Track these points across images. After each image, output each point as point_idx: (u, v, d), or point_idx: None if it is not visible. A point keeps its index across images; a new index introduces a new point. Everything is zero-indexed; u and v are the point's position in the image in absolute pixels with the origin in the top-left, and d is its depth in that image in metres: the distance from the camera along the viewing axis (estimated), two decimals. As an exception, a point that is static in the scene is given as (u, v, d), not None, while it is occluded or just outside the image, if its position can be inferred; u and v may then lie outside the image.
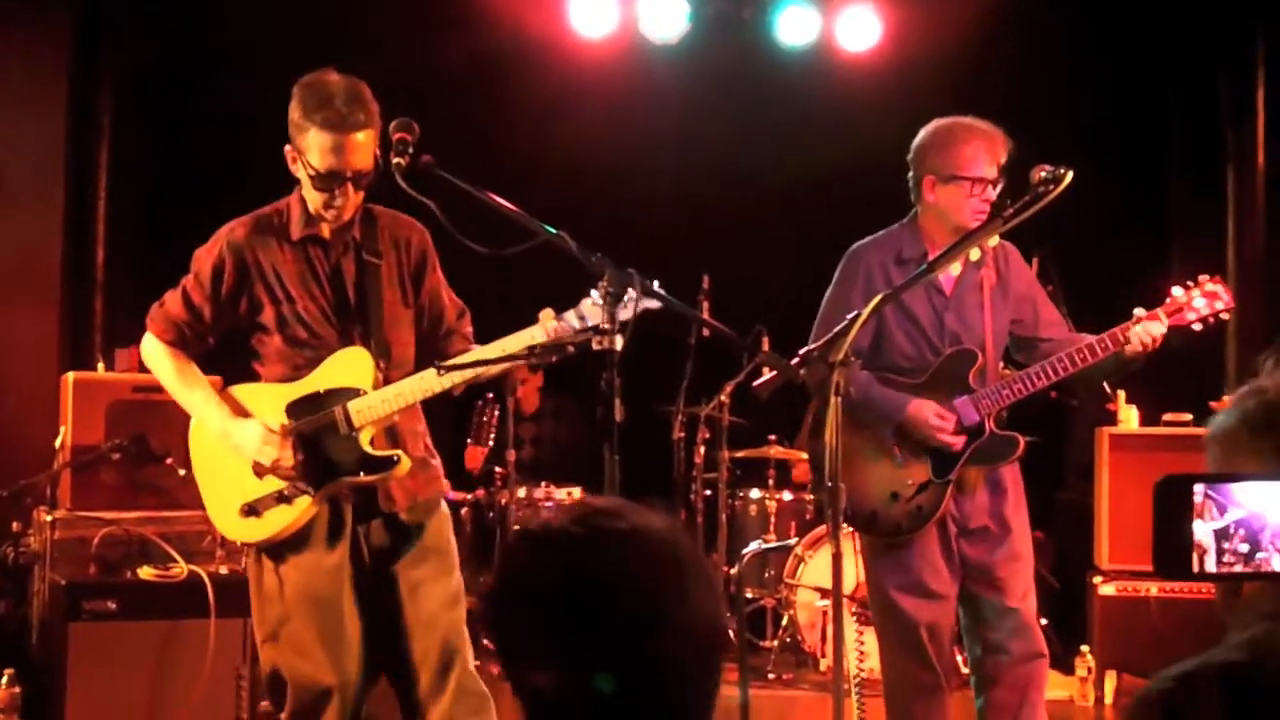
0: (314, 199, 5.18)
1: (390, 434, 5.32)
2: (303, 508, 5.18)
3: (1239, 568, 3.53)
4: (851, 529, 6.05)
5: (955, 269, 5.89)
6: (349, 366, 5.22)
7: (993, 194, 5.78)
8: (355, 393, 5.18)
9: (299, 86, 5.14)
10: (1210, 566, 2.94)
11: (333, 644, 5.21)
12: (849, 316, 4.96)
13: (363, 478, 5.23)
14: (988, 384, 5.87)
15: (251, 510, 5.21)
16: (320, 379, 5.23)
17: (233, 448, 5.22)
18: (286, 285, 5.25)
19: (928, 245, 5.89)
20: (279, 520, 5.20)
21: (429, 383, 5.15)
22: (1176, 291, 5.79)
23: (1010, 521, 5.94)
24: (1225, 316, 5.79)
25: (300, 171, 5.18)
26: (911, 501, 5.83)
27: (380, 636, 5.32)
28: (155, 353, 5.40)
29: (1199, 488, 2.65)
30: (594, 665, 2.26)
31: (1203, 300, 5.77)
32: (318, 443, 5.22)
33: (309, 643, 5.21)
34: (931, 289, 5.90)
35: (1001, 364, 6.10)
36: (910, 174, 6.01)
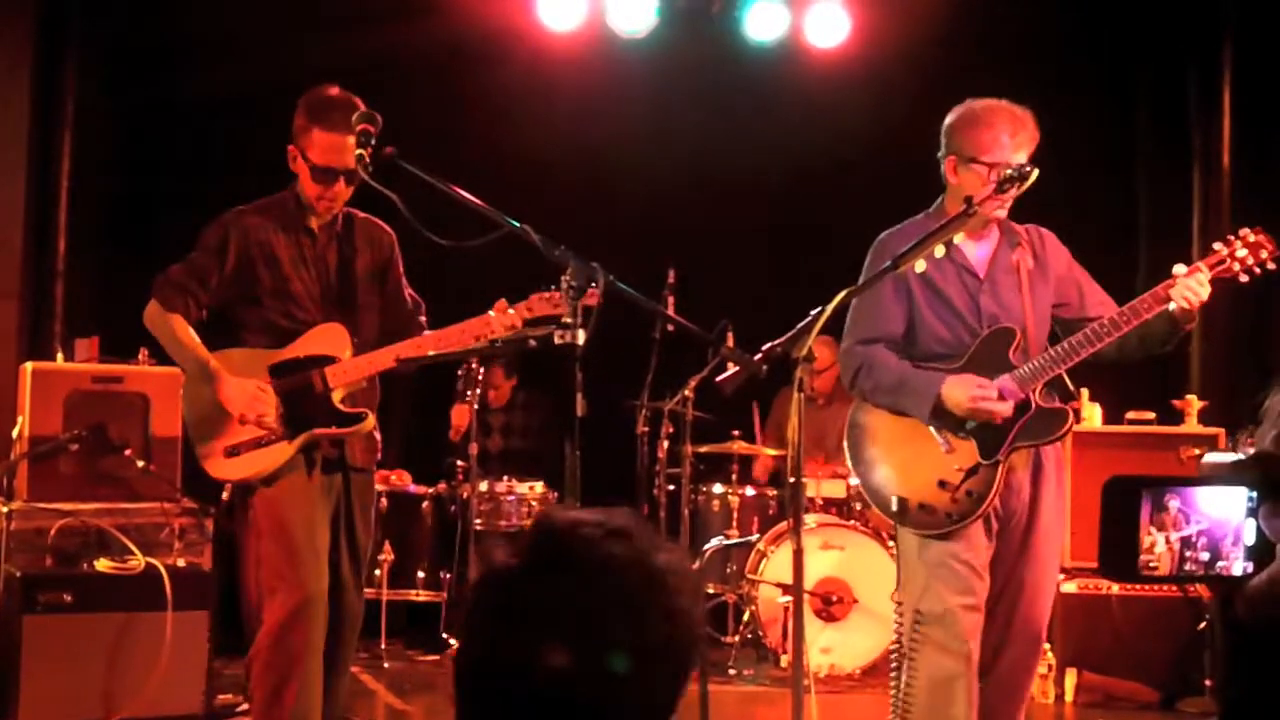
0: (310, 191, 6.01)
1: (352, 400, 6.09)
2: (279, 451, 5.97)
3: (1200, 573, 3.51)
4: (893, 527, 5.86)
5: (984, 248, 5.74)
6: (328, 339, 6.07)
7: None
8: (332, 359, 6.04)
9: (304, 98, 5.97)
10: (1170, 572, 2.91)
11: (304, 561, 5.92)
12: (813, 313, 4.91)
13: (334, 429, 6.04)
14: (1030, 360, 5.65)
15: (234, 451, 5.95)
16: (301, 347, 6.05)
17: (225, 399, 5.93)
18: (282, 266, 6.05)
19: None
20: (258, 462, 5.97)
21: (391, 359, 6.04)
22: (1217, 245, 5.63)
23: (1040, 524, 5.72)
24: (1272, 266, 5.61)
25: (300, 167, 5.98)
26: (960, 488, 5.59)
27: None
28: (158, 318, 6.05)
29: (1175, 503, 2.63)
30: (615, 646, 2.23)
31: (1245, 251, 5.60)
32: (295, 399, 6.01)
33: (283, 561, 5.94)
34: (963, 271, 5.73)
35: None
36: (939, 153, 5.78)
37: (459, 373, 9.85)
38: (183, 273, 6.03)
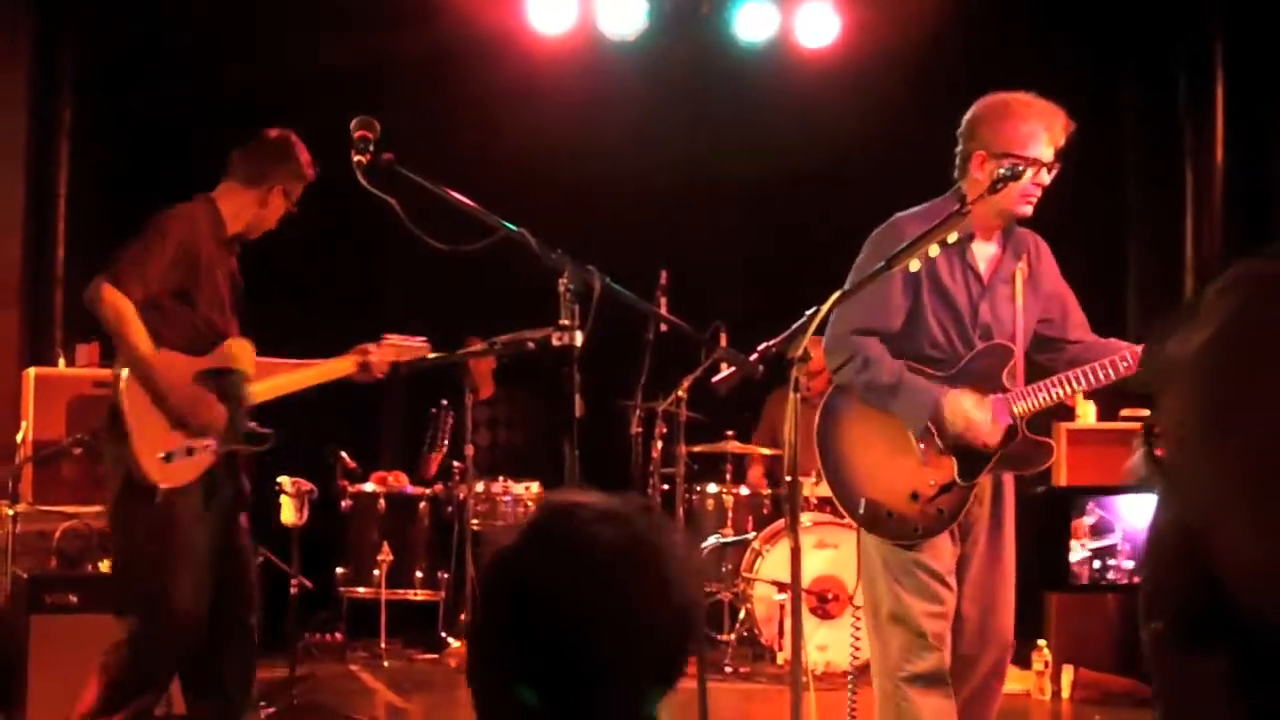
0: (266, 225, 6.24)
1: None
2: (202, 463, 5.88)
3: (1123, 582, 3.50)
4: (858, 527, 5.63)
5: (990, 251, 5.60)
6: (244, 353, 6.04)
7: (1046, 179, 5.46)
8: (247, 375, 5.99)
9: (286, 149, 6.22)
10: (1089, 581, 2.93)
11: (196, 579, 5.84)
12: (808, 313, 4.87)
13: (251, 447, 6.05)
14: (1018, 384, 5.52)
15: (170, 457, 5.78)
16: (222, 357, 5.99)
17: (182, 400, 5.84)
18: (214, 269, 6.05)
19: (972, 225, 5.49)
20: (188, 470, 5.84)
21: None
22: None
23: (1004, 532, 5.63)
24: None
25: (274, 200, 6.19)
26: (932, 503, 5.46)
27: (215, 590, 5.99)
28: (118, 301, 5.81)
29: (1094, 511, 2.66)
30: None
31: None
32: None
33: (176, 573, 5.81)
34: (970, 274, 5.53)
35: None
36: (959, 147, 5.55)
37: (430, 414, 10.00)
38: (138, 258, 5.88)
